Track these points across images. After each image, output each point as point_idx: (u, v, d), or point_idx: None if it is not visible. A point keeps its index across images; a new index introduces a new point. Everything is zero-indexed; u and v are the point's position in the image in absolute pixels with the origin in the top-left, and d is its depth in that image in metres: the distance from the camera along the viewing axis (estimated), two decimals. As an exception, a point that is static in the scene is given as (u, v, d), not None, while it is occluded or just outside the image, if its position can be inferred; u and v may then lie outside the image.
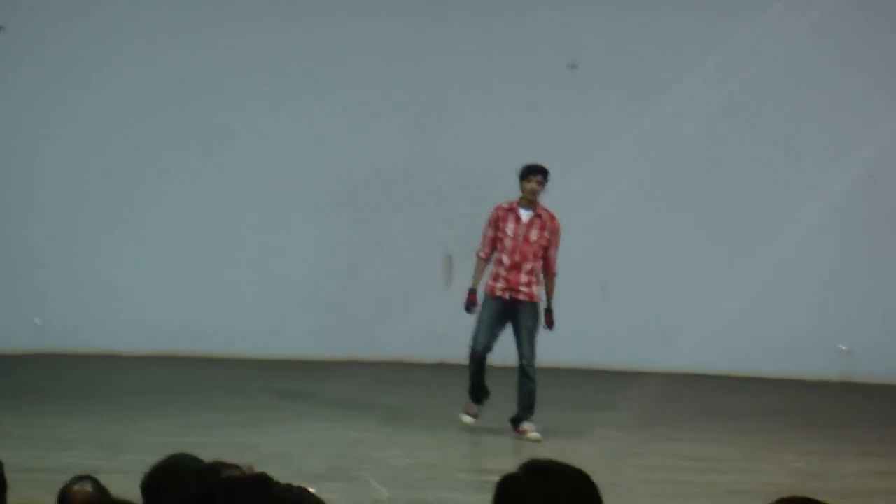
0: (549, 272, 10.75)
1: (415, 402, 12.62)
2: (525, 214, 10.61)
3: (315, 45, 15.26)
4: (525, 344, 10.53)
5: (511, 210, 10.69)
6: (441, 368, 15.07)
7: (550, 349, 15.05)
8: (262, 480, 3.78)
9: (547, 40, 15.28)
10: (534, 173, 10.65)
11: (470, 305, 10.80)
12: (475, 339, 10.64)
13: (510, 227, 10.61)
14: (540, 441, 10.26)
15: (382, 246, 15.30)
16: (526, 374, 10.54)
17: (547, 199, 15.20)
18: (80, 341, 14.79)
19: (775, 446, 10.70)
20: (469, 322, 15.10)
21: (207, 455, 4.42)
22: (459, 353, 15.13)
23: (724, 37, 15.22)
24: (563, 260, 15.24)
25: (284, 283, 15.19)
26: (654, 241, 15.26)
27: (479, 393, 10.71)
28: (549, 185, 15.16)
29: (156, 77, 15.10)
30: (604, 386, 13.95)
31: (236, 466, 4.06)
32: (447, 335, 15.16)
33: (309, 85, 15.26)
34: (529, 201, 10.65)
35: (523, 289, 10.56)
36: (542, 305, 10.71)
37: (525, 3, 15.33)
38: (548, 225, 10.65)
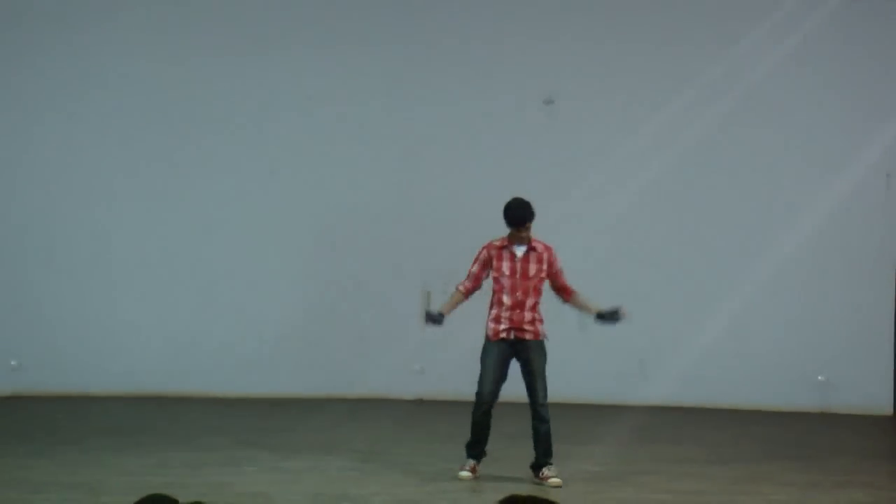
0: (570, 296, 10.47)
1: (394, 439, 12.59)
2: (519, 250, 10.39)
3: (294, 83, 15.29)
4: (538, 385, 10.18)
5: (504, 248, 10.37)
6: (420, 404, 15.06)
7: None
8: None
9: (524, 77, 15.35)
10: (522, 223, 10.32)
11: (430, 319, 10.51)
12: (481, 385, 10.24)
13: (506, 266, 10.28)
14: (561, 486, 9.97)
15: (360, 282, 15.30)
16: (540, 417, 10.20)
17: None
18: (57, 383, 14.75)
19: (754, 478, 10.70)
20: (449, 357, 15.16)
21: (185, 495, 4.41)
22: (438, 388, 15.19)
23: (700, 69, 15.30)
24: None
25: (262, 320, 15.17)
26: (630, 274, 15.30)
27: (478, 449, 10.33)
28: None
29: (132, 117, 15.11)
30: (582, 419, 13.93)
31: None
32: (426, 371, 15.17)
33: (287, 123, 15.28)
34: (521, 238, 10.45)
35: (528, 327, 10.21)
36: (546, 341, 10.38)
37: (501, 40, 15.39)
38: (544, 257, 10.33)
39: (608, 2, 15.56)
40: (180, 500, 4.35)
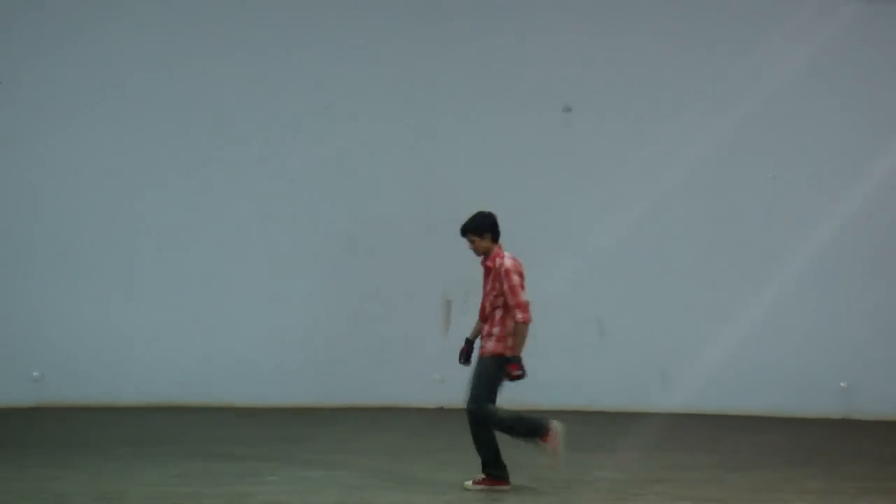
0: (513, 319, 10.26)
1: (414, 447, 12.59)
2: (484, 265, 10.39)
3: (313, 93, 15.32)
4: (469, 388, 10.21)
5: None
6: (440, 413, 15.06)
7: (548, 391, 15.11)
8: None
9: (542, 84, 15.35)
10: (463, 236, 10.33)
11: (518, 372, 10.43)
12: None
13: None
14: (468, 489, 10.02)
15: (381, 292, 15.32)
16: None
17: (545, 240, 15.28)
18: (79, 393, 14.79)
19: (775, 485, 10.67)
20: (467, 366, 15.14)
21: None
22: (459, 397, 15.16)
23: (717, 76, 15.29)
24: (561, 299, 15.32)
25: (282, 330, 15.20)
26: (651, 281, 15.28)
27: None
28: (547, 225, 15.26)
29: (152, 128, 15.15)
30: (603, 427, 13.92)
31: None
32: (446, 380, 15.18)
33: (307, 133, 15.31)
34: (478, 252, 10.36)
35: (485, 341, 10.24)
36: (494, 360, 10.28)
37: (520, 47, 15.40)
38: (493, 272, 10.27)
39: (627, 10, 15.55)
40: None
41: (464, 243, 15.18)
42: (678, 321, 15.23)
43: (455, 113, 15.41)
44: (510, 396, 14.52)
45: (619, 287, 15.41)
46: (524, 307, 10.16)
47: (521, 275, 10.26)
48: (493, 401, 10.20)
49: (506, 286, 10.16)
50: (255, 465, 11.12)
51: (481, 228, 10.33)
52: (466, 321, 15.41)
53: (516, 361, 10.20)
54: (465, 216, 15.36)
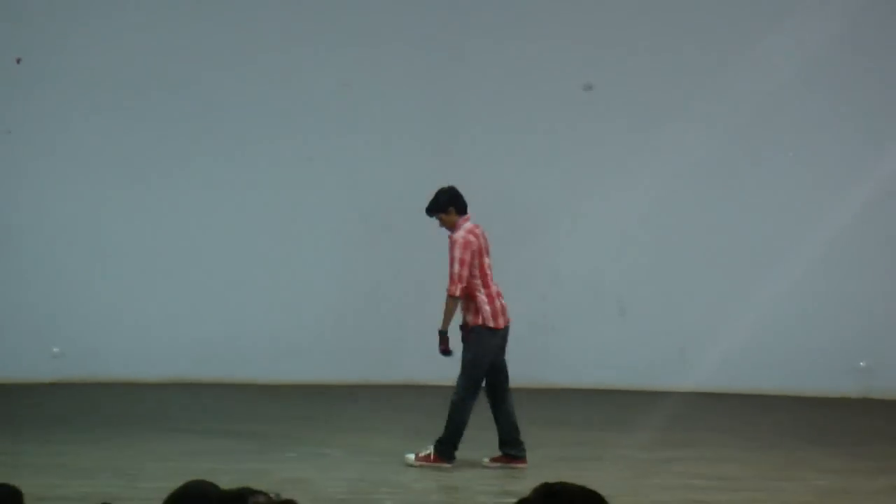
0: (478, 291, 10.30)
1: (434, 425, 12.57)
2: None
3: (331, 70, 15.29)
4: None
5: None
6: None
7: (567, 370, 15.11)
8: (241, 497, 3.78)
9: (562, 62, 15.30)
10: (430, 216, 10.48)
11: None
12: None
13: None
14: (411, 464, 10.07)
15: (399, 269, 15.30)
16: None
17: (565, 219, 15.26)
18: (98, 369, 14.82)
19: (794, 464, 10.67)
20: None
21: (225, 482, 4.41)
22: (477, 375, 15.18)
23: (740, 54, 15.23)
24: (581, 278, 15.30)
25: (300, 307, 15.20)
26: (670, 260, 15.26)
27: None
28: (568, 204, 15.24)
29: (168, 102, 15.15)
30: (621, 406, 13.92)
31: (263, 493, 4.05)
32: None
33: (325, 110, 15.29)
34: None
35: (465, 317, 10.31)
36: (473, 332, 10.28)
37: (540, 24, 15.36)
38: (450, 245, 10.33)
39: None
40: (220, 487, 4.36)
41: (476, 220, 15.20)
42: (697, 300, 15.20)
43: (475, 90, 15.37)
44: (533, 375, 14.58)
45: (639, 266, 15.38)
46: (454, 280, 10.17)
47: (466, 245, 10.10)
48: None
49: (449, 256, 10.10)
50: (273, 442, 11.15)
51: (444, 205, 10.37)
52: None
53: (441, 335, 10.22)
54: (485, 193, 15.40)
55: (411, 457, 10.13)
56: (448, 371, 15.16)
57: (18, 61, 15.03)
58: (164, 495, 4.31)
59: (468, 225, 10.29)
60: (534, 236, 15.25)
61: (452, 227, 10.29)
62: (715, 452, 11.14)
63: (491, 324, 10.24)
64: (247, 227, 15.30)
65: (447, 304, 10.20)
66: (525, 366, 15.23)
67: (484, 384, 10.31)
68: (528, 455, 10.45)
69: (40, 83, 15.05)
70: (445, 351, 10.26)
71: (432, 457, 10.12)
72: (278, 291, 15.30)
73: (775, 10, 15.28)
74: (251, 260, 15.31)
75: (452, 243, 10.19)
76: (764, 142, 15.32)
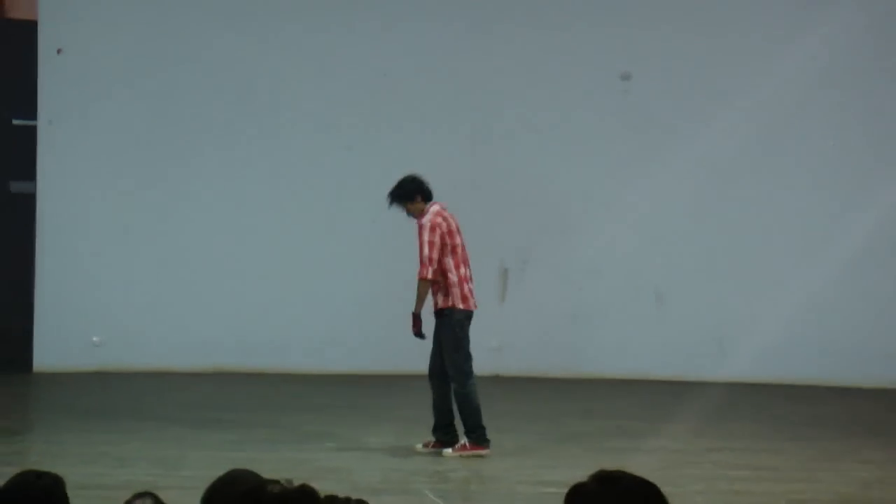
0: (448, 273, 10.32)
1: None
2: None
3: (368, 60, 15.31)
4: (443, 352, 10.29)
5: None
6: (496, 381, 15.08)
7: (605, 360, 15.09)
8: (307, 493, 3.80)
9: (600, 52, 15.27)
10: (393, 205, 10.49)
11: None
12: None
13: None
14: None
15: (436, 259, 15.29)
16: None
17: (603, 209, 15.24)
18: (138, 359, 14.91)
19: (833, 455, 10.63)
20: (526, 334, 15.17)
21: (263, 471, 4.44)
22: (515, 365, 15.20)
23: (780, 42, 15.16)
24: (618, 269, 15.28)
25: (339, 297, 15.24)
26: (708, 250, 15.21)
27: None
28: (605, 194, 15.21)
29: (206, 92, 15.20)
30: (659, 396, 13.90)
31: (276, 482, 4.08)
32: (502, 348, 15.19)
33: (362, 99, 15.31)
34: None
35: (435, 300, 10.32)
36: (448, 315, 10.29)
37: (578, 15, 15.32)
38: (417, 231, 10.38)
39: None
40: (261, 476, 4.38)
41: (514, 210, 15.25)
42: (735, 290, 15.15)
43: (513, 80, 15.35)
44: (570, 365, 14.59)
45: (677, 256, 15.35)
46: (424, 264, 10.20)
47: (434, 228, 10.21)
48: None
49: (417, 241, 10.14)
50: (312, 431, 11.19)
51: (411, 193, 10.37)
52: (523, 290, 15.46)
53: (414, 318, 10.19)
54: (522, 184, 15.41)
55: (449, 450, 10.16)
56: (487, 362, 15.21)
57: (59, 52, 15.11)
58: (205, 484, 4.34)
59: (435, 208, 10.31)
60: (571, 226, 15.25)
61: (420, 215, 10.28)
62: (754, 443, 11.11)
63: (461, 305, 10.26)
64: (285, 216, 15.34)
65: (419, 288, 10.25)
66: (562, 356, 15.28)
67: (430, 367, 10.27)
68: (567, 444, 10.48)
69: (80, 74, 15.13)
70: (418, 333, 10.29)
71: (468, 445, 10.15)
72: (316, 281, 15.34)
73: (815, 1, 15.21)
74: (289, 249, 15.35)
75: (421, 227, 10.26)
76: (804, 131, 15.25)
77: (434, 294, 10.27)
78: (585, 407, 13.22)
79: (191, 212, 15.26)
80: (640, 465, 9.75)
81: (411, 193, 10.30)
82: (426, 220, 10.23)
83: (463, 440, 10.18)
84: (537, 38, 15.34)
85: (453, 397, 10.22)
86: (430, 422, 11.75)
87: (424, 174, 15.44)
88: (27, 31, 15.23)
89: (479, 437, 10.18)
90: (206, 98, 15.21)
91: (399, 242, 15.59)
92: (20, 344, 15.05)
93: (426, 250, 10.18)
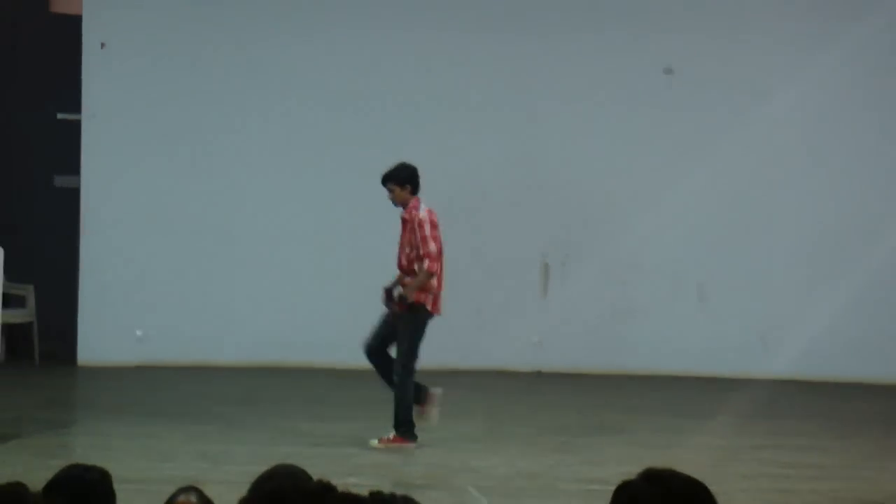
0: (417, 269, 10.33)
1: (513, 411, 12.62)
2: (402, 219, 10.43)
3: (416, 57, 15.30)
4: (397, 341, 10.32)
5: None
6: (538, 377, 15.06)
7: (648, 357, 15.04)
8: (327, 488, 3.81)
9: (643, 46, 15.21)
10: (383, 184, 10.47)
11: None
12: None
13: None
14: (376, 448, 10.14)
15: (480, 254, 15.29)
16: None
17: (645, 205, 15.19)
18: (181, 353, 14.96)
19: (880, 453, 10.56)
20: (567, 329, 15.13)
21: (306, 466, 4.45)
22: (557, 360, 15.17)
23: (824, 37, 15.06)
24: (660, 264, 15.23)
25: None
26: (751, 246, 15.14)
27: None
28: (648, 190, 15.16)
29: (246, 86, 15.23)
30: (703, 393, 13.85)
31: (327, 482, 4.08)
32: (544, 343, 15.16)
33: (410, 97, 15.31)
34: (395, 201, 10.39)
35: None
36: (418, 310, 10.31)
37: (620, 9, 15.27)
38: (409, 226, 10.38)
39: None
40: (307, 472, 4.38)
41: (556, 205, 15.21)
42: (778, 286, 15.08)
43: (554, 74, 15.32)
44: (613, 361, 14.54)
45: (720, 252, 15.28)
46: (432, 257, 10.22)
47: (434, 225, 10.34)
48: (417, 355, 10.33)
49: (418, 236, 10.19)
50: (356, 426, 11.19)
51: (402, 178, 10.41)
52: (565, 285, 15.42)
53: (403, 300, 10.25)
54: (565, 180, 15.37)
55: (374, 441, 10.22)
56: (528, 357, 15.21)
57: (103, 46, 15.18)
58: (250, 478, 4.35)
59: (425, 206, 10.36)
60: (613, 221, 15.21)
61: (403, 203, 10.30)
62: (798, 440, 11.05)
63: (429, 306, 10.30)
64: (329, 211, 15.36)
65: (422, 279, 10.27)
66: (604, 351, 15.23)
67: (370, 336, 10.41)
68: (610, 441, 10.46)
69: (124, 68, 15.20)
70: (392, 307, 10.22)
71: (394, 438, 10.21)
72: (361, 275, 15.35)
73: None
74: (332, 244, 15.36)
75: (420, 223, 10.30)
76: (848, 127, 15.15)
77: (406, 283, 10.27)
78: (628, 403, 13.18)
79: (234, 206, 15.30)
80: (684, 462, 9.71)
81: (404, 180, 10.39)
82: (423, 215, 10.33)
83: (391, 433, 10.24)
84: (580, 33, 15.29)
85: (403, 386, 10.27)
86: (472, 417, 11.75)
87: (468, 170, 15.51)
88: (71, 26, 15.29)
89: (406, 432, 10.30)
90: (249, 93, 15.25)
91: (443, 238, 15.60)
92: (64, 338, 15.14)
93: (431, 245, 10.30)
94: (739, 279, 15.16)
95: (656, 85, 15.25)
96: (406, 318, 10.29)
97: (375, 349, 10.46)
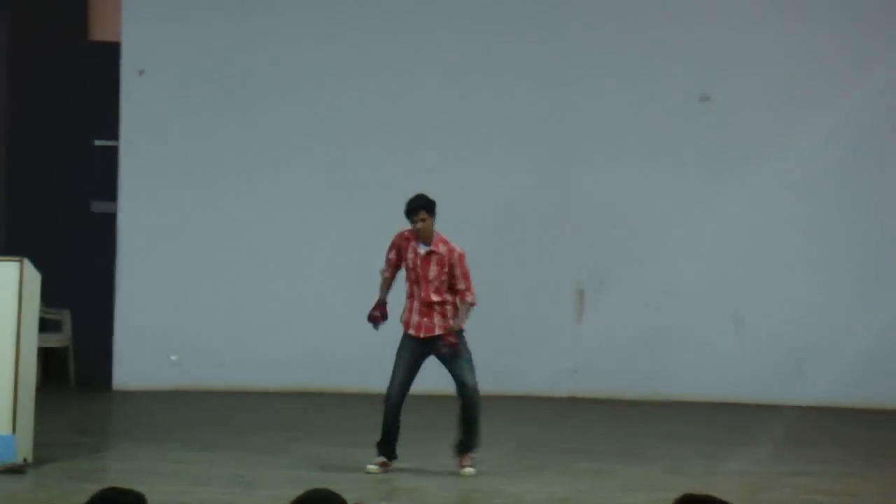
0: (462, 301, 10.27)
1: (546, 436, 12.60)
2: (422, 249, 10.25)
3: (447, 82, 15.35)
4: (457, 368, 10.24)
5: (409, 240, 10.33)
6: (572, 402, 15.03)
7: (683, 382, 14.98)
8: None
9: (679, 72, 15.21)
10: (414, 213, 10.25)
11: (373, 319, 10.52)
12: (392, 380, 10.35)
13: (410, 258, 10.30)
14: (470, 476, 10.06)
15: (514, 279, 15.30)
16: (463, 398, 10.35)
17: (681, 231, 15.16)
18: (215, 377, 15.01)
19: (915, 481, 10.48)
20: (601, 355, 15.09)
21: (339, 490, 4.45)
22: (591, 386, 15.14)
23: (860, 65, 15.03)
24: (695, 290, 15.18)
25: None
26: (787, 271, 15.09)
27: (388, 448, 10.26)
28: (683, 216, 15.12)
29: (285, 113, 15.29)
30: (738, 419, 13.79)
31: None
32: (578, 369, 15.14)
33: (441, 122, 15.34)
34: (420, 235, 10.23)
35: (438, 326, 10.24)
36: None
37: (656, 36, 15.28)
38: (446, 260, 10.24)
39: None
40: (340, 495, 4.38)
41: (590, 230, 15.18)
42: (815, 312, 15.01)
43: (589, 99, 15.33)
44: (647, 387, 14.51)
45: (755, 277, 15.23)
46: (472, 290, 10.31)
47: None
48: None
49: (458, 272, 10.19)
50: (388, 451, 11.16)
51: (431, 208, 10.31)
52: (600, 310, 15.39)
53: (453, 332, 10.19)
54: (601, 205, 15.35)
55: (469, 470, 10.12)
56: (562, 383, 15.17)
57: (140, 73, 15.29)
58: (283, 503, 4.36)
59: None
60: (649, 247, 15.18)
61: (428, 234, 10.18)
62: (834, 467, 10.98)
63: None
64: (363, 238, 15.39)
65: (467, 310, 10.25)
66: (639, 378, 15.19)
67: (401, 388, 10.25)
68: (643, 467, 10.44)
69: (161, 95, 15.30)
70: (454, 345, 10.14)
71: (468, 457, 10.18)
72: (393, 301, 15.36)
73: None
74: (366, 269, 15.36)
75: (461, 256, 10.30)
76: (884, 154, 15.10)
77: (443, 317, 10.15)
78: (662, 430, 13.14)
79: (270, 232, 15.35)
80: (719, 488, 9.66)
81: (433, 208, 10.34)
82: (461, 249, 10.29)
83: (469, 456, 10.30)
84: (616, 58, 15.31)
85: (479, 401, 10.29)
86: (505, 443, 11.75)
87: (503, 194, 15.51)
88: (110, 53, 15.42)
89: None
90: (285, 119, 15.32)
91: (475, 264, 15.60)
92: (100, 362, 15.21)
93: (470, 279, 10.19)
94: (775, 305, 15.10)
95: (692, 111, 15.24)
96: (459, 346, 10.26)
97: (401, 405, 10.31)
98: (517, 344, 15.26)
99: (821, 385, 14.70)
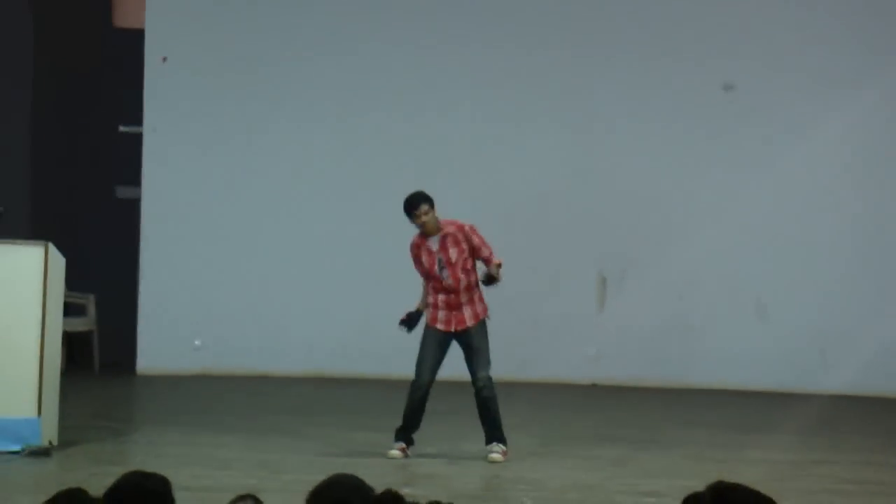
0: (490, 264, 10.22)
1: (569, 423, 12.61)
2: (433, 243, 10.22)
3: (469, 71, 15.34)
4: (476, 361, 10.21)
5: (419, 245, 10.32)
6: (595, 389, 15.04)
7: (707, 371, 14.97)
8: (395, 498, 3.82)
9: (703, 61, 15.17)
10: (416, 208, 10.22)
11: (403, 322, 10.53)
12: (418, 369, 10.36)
13: (426, 261, 10.26)
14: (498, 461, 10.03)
15: (536, 267, 15.30)
16: (478, 391, 10.32)
17: (705, 219, 15.13)
18: (238, 362, 15.06)
19: (940, 470, 10.45)
20: (624, 342, 15.09)
21: (363, 476, 4.46)
22: (613, 374, 15.14)
23: (888, 53, 14.97)
24: (719, 278, 15.15)
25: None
26: (810, 260, 15.06)
27: (408, 434, 10.27)
28: (708, 204, 15.10)
29: (306, 100, 15.32)
30: (762, 407, 13.77)
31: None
32: (601, 356, 15.14)
33: (463, 110, 15.34)
34: (426, 228, 10.22)
35: (466, 312, 10.25)
36: (488, 319, 10.28)
37: (680, 26, 15.24)
38: (460, 236, 10.24)
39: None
40: (364, 481, 4.39)
41: (614, 218, 15.16)
42: (838, 301, 14.98)
43: (613, 89, 15.31)
44: (670, 375, 14.47)
45: (779, 266, 15.20)
46: (494, 253, 10.27)
47: None
48: None
49: (476, 241, 10.22)
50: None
51: (431, 200, 10.30)
52: (622, 298, 15.38)
53: (492, 275, 10.20)
54: (625, 193, 15.32)
55: (497, 455, 10.13)
56: (584, 370, 15.17)
57: (164, 60, 15.32)
58: (307, 487, 4.38)
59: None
60: (671, 235, 15.17)
61: (435, 225, 10.23)
62: (858, 456, 10.96)
63: (430, 320, 10.32)
64: (386, 223, 15.41)
65: (498, 270, 10.23)
66: (661, 365, 15.19)
67: (430, 375, 10.26)
68: (666, 454, 10.45)
69: (184, 82, 15.33)
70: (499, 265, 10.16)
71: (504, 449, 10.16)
72: (414, 288, 15.38)
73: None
74: (391, 255, 15.39)
75: (472, 229, 10.31)
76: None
77: (472, 303, 10.15)
78: (685, 417, 13.13)
79: (292, 217, 15.39)
80: (741, 476, 9.65)
81: (432, 200, 10.32)
82: (470, 223, 10.28)
83: (502, 444, 10.27)
84: (641, 47, 15.28)
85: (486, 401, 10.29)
86: (527, 429, 11.76)
87: (526, 182, 15.50)
88: (134, 40, 15.45)
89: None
90: (308, 105, 15.34)
91: (499, 254, 15.61)
92: (124, 346, 15.27)
93: (487, 243, 10.30)
94: (799, 293, 15.08)
95: (716, 100, 15.20)
96: (480, 331, 10.27)
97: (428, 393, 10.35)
98: (540, 331, 15.27)
99: (844, 373, 14.68)
